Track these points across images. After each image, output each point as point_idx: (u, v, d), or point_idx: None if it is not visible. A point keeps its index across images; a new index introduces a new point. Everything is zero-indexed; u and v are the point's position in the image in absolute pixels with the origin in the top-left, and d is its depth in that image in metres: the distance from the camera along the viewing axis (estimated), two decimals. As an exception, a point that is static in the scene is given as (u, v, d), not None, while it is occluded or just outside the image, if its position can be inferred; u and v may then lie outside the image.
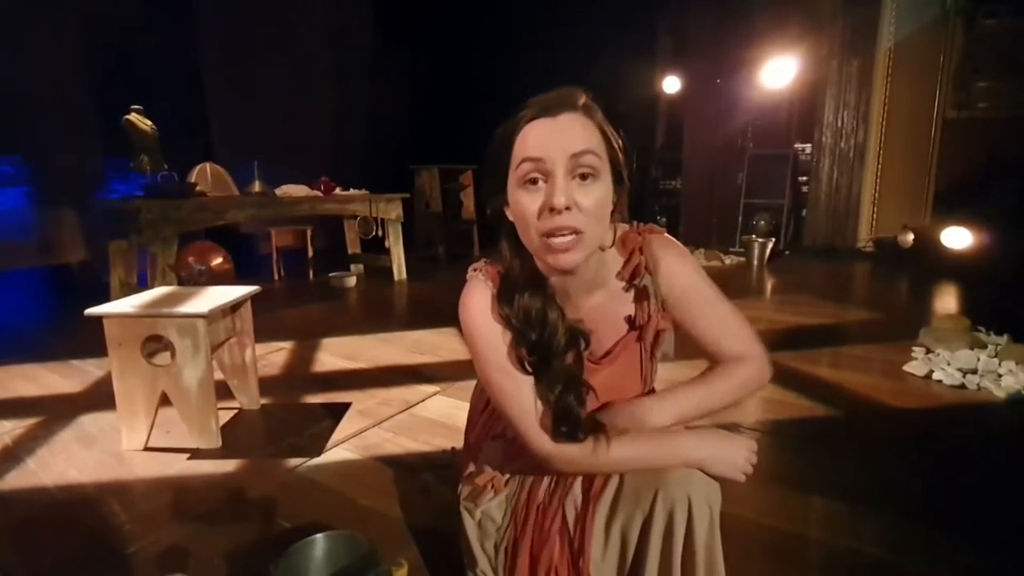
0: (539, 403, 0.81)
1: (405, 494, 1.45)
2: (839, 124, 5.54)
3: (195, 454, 1.68)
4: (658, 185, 7.26)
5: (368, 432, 1.82)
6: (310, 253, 4.85)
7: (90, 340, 1.96)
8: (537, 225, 0.72)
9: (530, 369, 0.80)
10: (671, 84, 6.83)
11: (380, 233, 4.47)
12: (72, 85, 4.56)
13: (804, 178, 5.94)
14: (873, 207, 5.51)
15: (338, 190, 4.28)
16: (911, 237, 4.91)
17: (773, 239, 5.41)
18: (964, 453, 1.70)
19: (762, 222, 5.89)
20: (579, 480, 0.85)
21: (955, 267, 4.34)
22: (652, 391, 0.93)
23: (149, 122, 3.51)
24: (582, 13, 6.55)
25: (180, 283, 3.22)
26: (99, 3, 4.74)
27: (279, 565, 0.95)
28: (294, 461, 1.63)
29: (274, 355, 2.64)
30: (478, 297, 0.81)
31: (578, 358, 0.81)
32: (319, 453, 1.67)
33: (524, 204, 0.73)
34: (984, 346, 2.42)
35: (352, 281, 4.46)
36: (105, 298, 2.08)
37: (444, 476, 1.49)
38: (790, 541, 1.26)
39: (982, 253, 4.37)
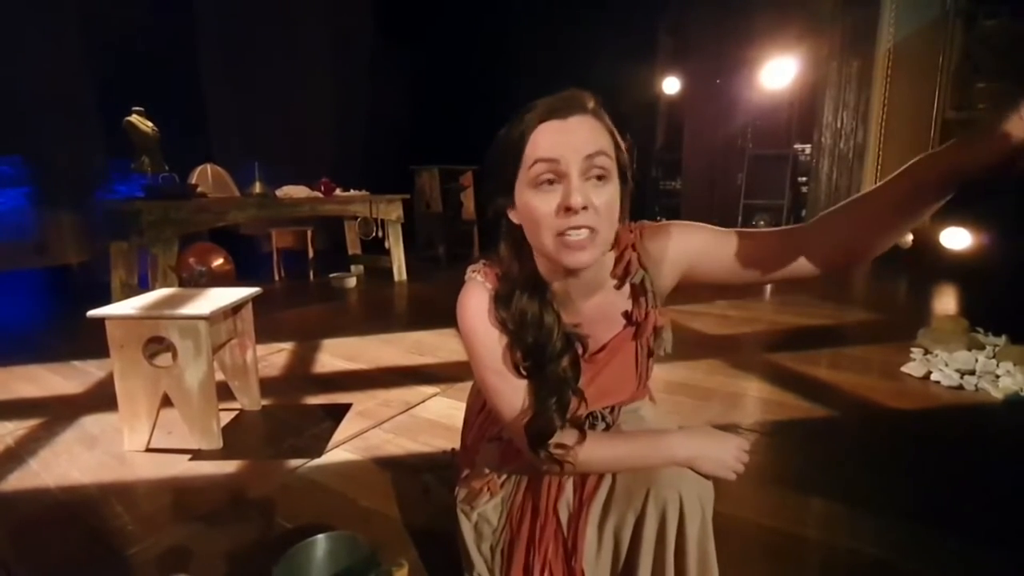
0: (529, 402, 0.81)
1: (405, 495, 1.46)
2: (839, 125, 5.54)
3: (196, 455, 1.68)
4: (658, 186, 7.28)
5: (369, 433, 1.83)
6: (310, 254, 4.86)
7: (91, 341, 1.97)
8: (553, 225, 0.72)
9: (525, 373, 0.81)
10: (671, 84, 6.84)
11: (380, 234, 4.48)
12: (73, 86, 4.57)
13: (804, 178, 5.95)
14: (873, 208, 5.50)
15: (338, 191, 4.28)
16: (910, 238, 4.91)
17: (773, 240, 5.40)
18: (962, 454, 1.70)
19: (762, 222, 5.90)
20: (571, 481, 0.85)
21: (954, 268, 4.35)
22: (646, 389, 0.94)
23: (150, 123, 3.52)
24: (582, 13, 6.56)
25: (181, 284, 3.22)
26: (100, 4, 4.74)
27: (280, 565, 0.96)
28: (295, 462, 1.64)
29: (275, 356, 2.65)
30: (476, 299, 0.82)
31: (574, 363, 0.82)
32: (320, 454, 1.68)
33: (537, 205, 0.73)
34: (982, 347, 2.43)
35: (352, 282, 4.46)
36: (106, 299, 2.09)
37: (444, 477, 1.50)
38: (789, 541, 1.26)
39: (981, 254, 4.37)
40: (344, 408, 2.02)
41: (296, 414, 2.02)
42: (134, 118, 3.44)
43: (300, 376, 2.43)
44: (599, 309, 0.86)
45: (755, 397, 2.13)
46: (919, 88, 5.14)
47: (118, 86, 4.27)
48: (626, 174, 0.77)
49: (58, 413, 1.99)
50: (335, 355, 2.67)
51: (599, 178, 0.72)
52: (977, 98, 4.90)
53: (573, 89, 0.75)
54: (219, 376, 1.84)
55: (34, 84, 4.33)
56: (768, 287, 4.42)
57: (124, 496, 1.47)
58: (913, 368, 2.30)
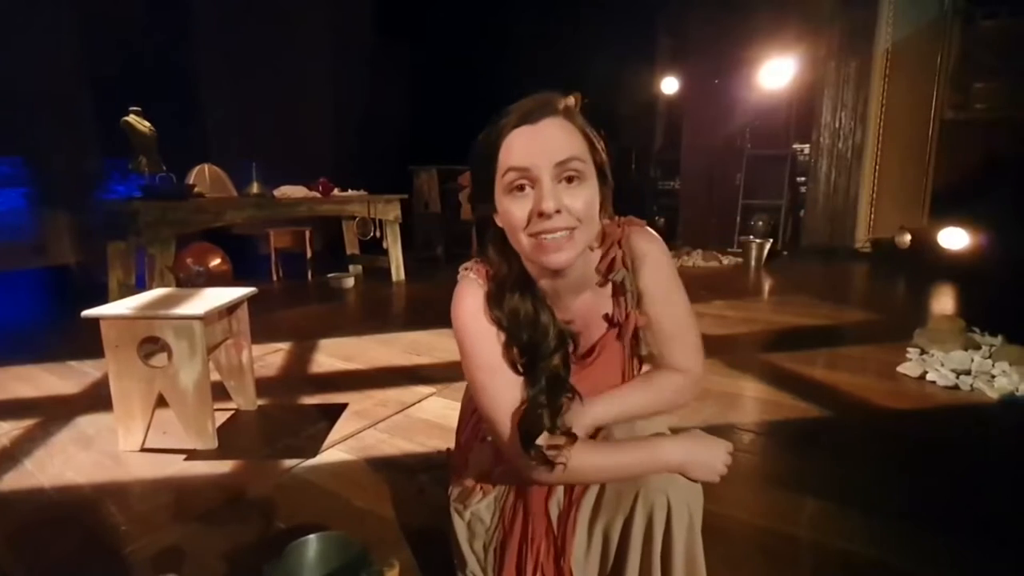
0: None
1: (400, 495, 1.46)
2: (837, 125, 5.55)
3: (192, 455, 1.68)
4: (657, 185, 7.28)
5: (364, 433, 1.83)
6: (308, 254, 4.86)
7: (87, 341, 1.97)
8: (527, 229, 0.73)
9: (521, 370, 0.81)
10: (670, 84, 6.84)
11: (378, 234, 4.48)
12: (71, 86, 4.57)
13: (802, 179, 5.96)
14: (871, 208, 5.52)
15: (336, 191, 4.29)
16: (908, 238, 4.92)
17: (771, 240, 5.42)
18: (957, 454, 1.70)
19: (760, 223, 5.91)
20: None
21: (952, 268, 4.36)
22: None
23: (147, 123, 3.52)
24: (581, 13, 6.56)
25: (178, 284, 3.22)
26: (98, 4, 4.74)
27: (272, 565, 0.96)
28: (290, 462, 1.64)
29: (271, 356, 2.65)
30: (469, 297, 0.82)
31: (566, 361, 0.82)
32: (315, 454, 1.68)
33: (512, 211, 0.74)
34: (978, 347, 2.43)
35: (350, 282, 4.46)
36: (103, 299, 2.09)
37: (439, 477, 1.50)
38: (782, 541, 1.27)
39: (979, 254, 4.39)
40: (340, 408, 2.02)
41: (292, 414, 2.02)
42: (131, 118, 3.44)
43: (296, 376, 2.43)
44: (588, 308, 0.87)
45: (751, 397, 2.14)
46: (917, 88, 5.14)
47: (116, 86, 4.27)
48: (604, 172, 0.78)
49: (53, 413, 1.99)
50: (332, 355, 2.68)
51: (572, 180, 0.73)
52: (975, 99, 4.91)
53: (544, 93, 0.76)
54: (215, 376, 1.84)
55: (32, 84, 4.33)
56: (767, 287, 4.42)
57: (119, 496, 1.47)
58: (909, 368, 2.30)
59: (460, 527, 0.94)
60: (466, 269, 0.85)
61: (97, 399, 2.05)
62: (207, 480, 1.56)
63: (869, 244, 5.49)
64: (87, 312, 1.61)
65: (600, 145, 0.77)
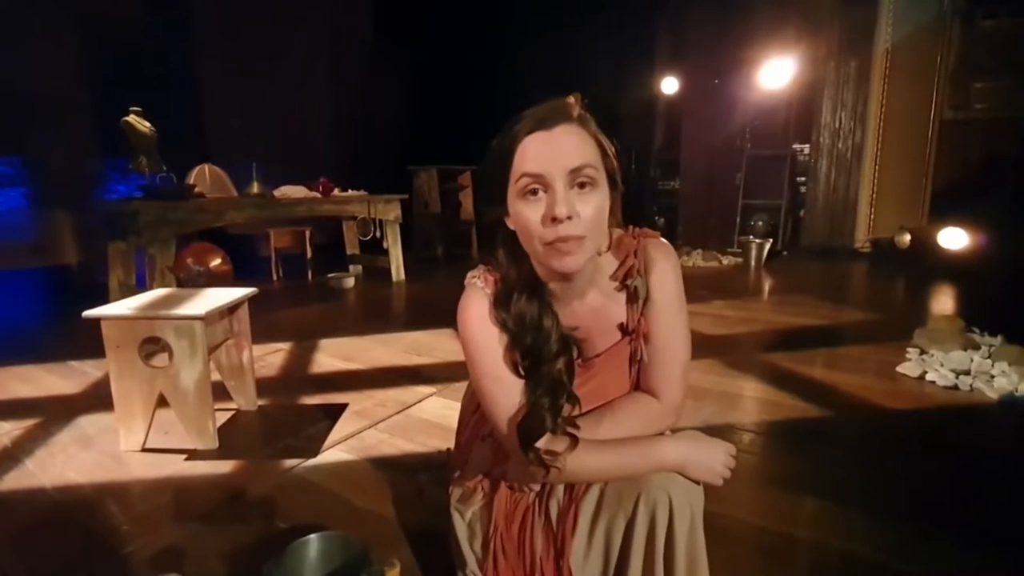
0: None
1: (400, 495, 1.46)
2: (837, 125, 5.55)
3: (192, 455, 1.69)
4: (656, 186, 7.28)
5: (364, 433, 1.83)
6: (308, 254, 4.86)
7: (88, 341, 1.97)
8: (541, 234, 0.75)
9: (523, 373, 0.82)
10: (669, 84, 6.84)
11: (378, 234, 4.48)
12: (71, 86, 4.57)
13: (802, 179, 5.96)
14: (870, 208, 5.52)
15: (336, 191, 4.29)
16: (908, 238, 4.93)
17: (771, 240, 5.42)
18: (956, 454, 1.71)
19: (760, 223, 5.91)
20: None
21: (951, 268, 4.36)
22: None
23: (148, 123, 3.52)
24: (581, 13, 6.56)
25: (179, 284, 3.23)
26: (98, 4, 4.74)
27: (272, 565, 0.97)
28: (290, 462, 1.64)
29: (272, 356, 2.65)
30: (476, 305, 0.84)
31: (569, 365, 0.83)
32: (315, 454, 1.69)
33: (526, 215, 0.75)
34: (978, 347, 2.43)
35: (350, 282, 4.47)
36: (103, 299, 2.09)
37: (439, 477, 1.50)
38: (783, 542, 1.27)
39: (978, 254, 4.39)
40: (340, 408, 2.02)
41: (292, 414, 2.02)
42: (131, 118, 3.44)
43: (297, 376, 2.43)
44: (595, 314, 0.87)
45: (751, 397, 2.14)
46: (917, 88, 5.15)
47: (116, 86, 4.28)
48: (615, 179, 0.79)
49: (54, 413, 2.00)
50: (332, 355, 2.68)
51: (584, 185, 0.74)
52: (975, 99, 4.91)
53: (558, 98, 0.77)
54: (215, 376, 1.85)
55: (32, 85, 4.33)
56: (767, 287, 4.42)
57: (120, 496, 1.48)
58: (909, 368, 2.31)
59: (460, 527, 0.94)
60: (474, 277, 0.87)
61: (98, 399, 2.05)
62: (208, 480, 1.56)
63: (869, 244, 5.50)
64: (88, 312, 1.61)
65: (612, 152, 0.78)
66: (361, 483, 1.53)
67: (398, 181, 5.34)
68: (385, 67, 6.92)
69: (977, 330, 2.65)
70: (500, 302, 0.82)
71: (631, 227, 0.89)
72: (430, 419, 1.94)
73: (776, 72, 5.73)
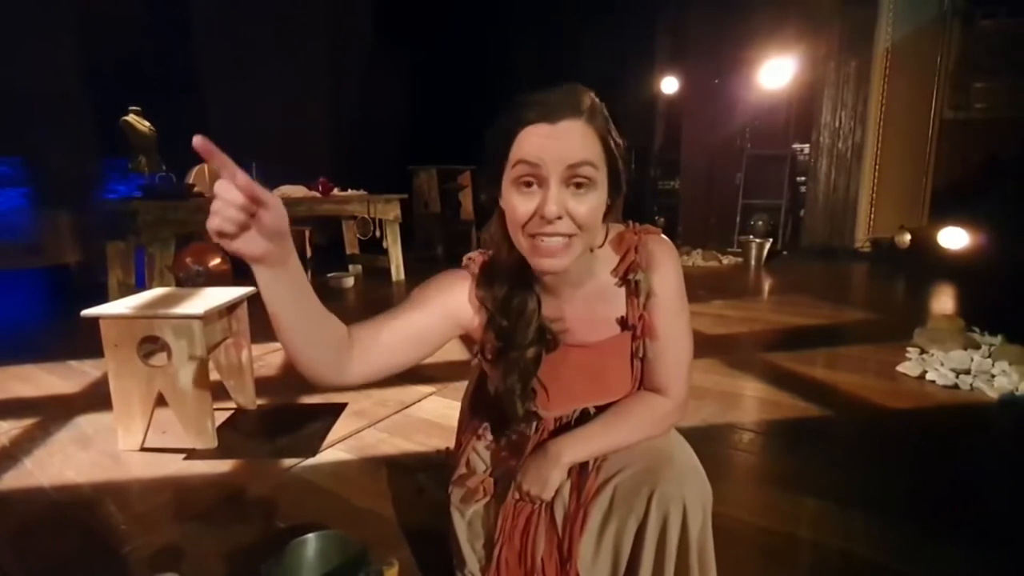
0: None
1: (399, 494, 1.46)
2: (837, 124, 5.55)
3: (191, 454, 1.68)
4: (656, 185, 7.27)
5: (363, 432, 1.83)
6: (308, 254, 4.85)
7: (87, 341, 1.96)
8: (526, 228, 0.73)
9: (490, 356, 0.84)
10: (669, 84, 6.84)
11: (378, 234, 4.48)
12: (71, 86, 4.57)
13: (802, 178, 5.95)
14: (870, 207, 5.52)
15: (336, 191, 4.28)
16: (908, 238, 4.92)
17: (771, 239, 5.42)
18: (956, 453, 1.70)
19: (760, 222, 5.90)
20: (568, 482, 0.85)
21: (951, 268, 4.35)
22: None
23: (147, 123, 3.52)
24: (581, 13, 6.56)
25: (178, 284, 3.22)
26: (98, 4, 4.74)
27: (270, 565, 0.96)
28: (289, 461, 1.64)
29: (271, 356, 2.65)
30: (452, 272, 0.88)
31: (537, 357, 0.84)
32: (314, 453, 1.68)
33: (515, 205, 0.73)
34: (978, 347, 2.43)
35: (350, 282, 4.46)
36: (103, 299, 2.08)
37: (438, 476, 1.49)
38: (782, 542, 1.26)
39: (979, 254, 4.38)
40: (339, 407, 2.02)
41: (291, 413, 2.01)
42: (131, 118, 3.45)
43: (296, 376, 2.39)
44: (589, 305, 0.86)
45: (751, 397, 2.13)
46: (917, 88, 5.15)
47: (116, 86, 4.27)
48: (619, 180, 0.77)
49: (53, 413, 1.99)
50: (332, 355, 2.67)
51: (581, 185, 0.72)
52: (974, 99, 4.91)
53: (571, 85, 0.74)
54: (214, 375, 1.84)
55: (32, 84, 4.33)
56: (767, 287, 4.42)
57: (118, 496, 1.47)
58: (909, 368, 2.30)
59: (461, 526, 0.93)
60: (469, 259, 0.88)
61: (96, 398, 2.04)
62: (206, 479, 1.56)
63: (869, 244, 5.49)
64: (87, 312, 1.61)
65: (618, 152, 0.75)
66: (360, 482, 1.53)
67: (398, 181, 5.34)
68: (385, 67, 6.92)
69: (977, 329, 2.64)
70: (485, 279, 0.82)
71: (632, 223, 0.87)
72: (429, 418, 1.94)
73: (776, 72, 5.72)
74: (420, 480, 1.52)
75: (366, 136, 6.80)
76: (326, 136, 6.55)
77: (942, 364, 2.28)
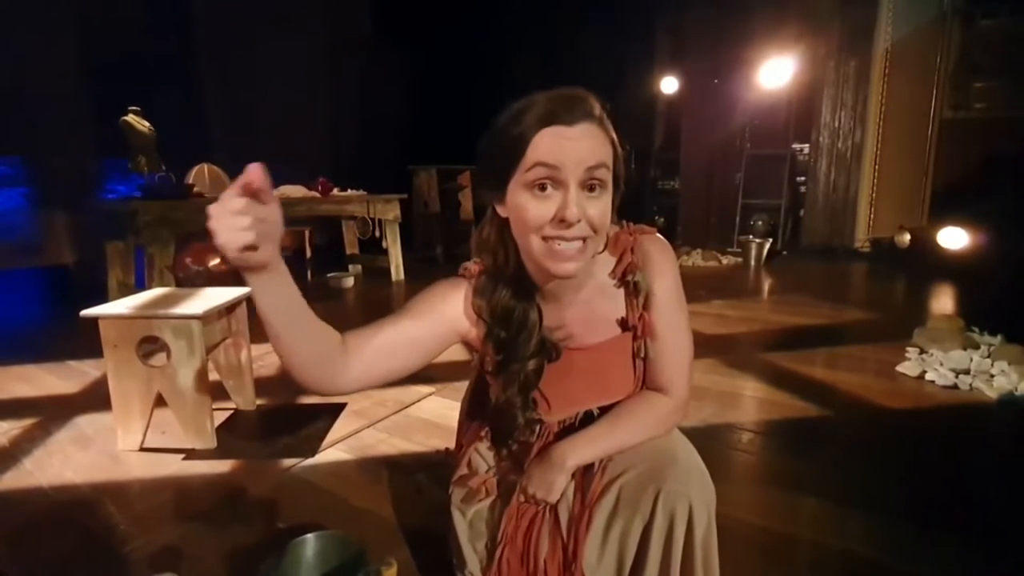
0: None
1: (398, 495, 1.46)
2: (836, 124, 5.55)
3: (190, 455, 1.68)
4: (656, 185, 7.27)
5: (363, 433, 1.83)
6: (308, 254, 4.86)
7: (87, 341, 1.96)
8: (544, 231, 0.72)
9: (489, 368, 0.83)
10: (669, 84, 6.83)
11: (378, 234, 4.48)
12: (71, 86, 4.57)
13: (802, 178, 5.95)
14: (870, 207, 5.52)
15: (336, 191, 4.28)
16: (908, 237, 4.92)
17: (770, 239, 5.42)
18: (956, 453, 1.70)
19: (759, 222, 5.90)
20: (572, 483, 0.85)
21: (951, 268, 4.35)
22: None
23: (147, 123, 3.52)
24: (581, 13, 6.56)
25: (178, 284, 3.22)
26: (98, 4, 4.74)
27: (268, 565, 0.96)
28: (289, 461, 1.64)
29: (270, 356, 2.65)
30: (448, 281, 0.87)
31: (539, 368, 0.83)
32: (313, 453, 1.68)
33: (529, 208, 0.72)
34: (977, 346, 2.43)
35: (350, 282, 4.46)
36: (102, 299, 2.08)
37: (437, 476, 1.49)
38: (782, 541, 1.26)
39: (978, 254, 4.38)
40: (339, 407, 2.02)
41: (290, 414, 2.01)
42: (130, 118, 3.44)
43: (296, 376, 2.42)
44: (588, 308, 0.86)
45: (751, 397, 2.13)
46: (917, 87, 5.14)
47: (116, 86, 4.27)
48: (620, 182, 0.78)
49: (52, 413, 1.99)
50: (331, 355, 2.67)
51: (594, 188, 0.72)
52: (974, 99, 4.91)
53: (578, 90, 0.73)
54: (214, 376, 1.84)
55: (32, 84, 4.33)
56: (766, 287, 4.42)
57: (117, 496, 1.47)
58: (908, 367, 2.30)
59: (462, 526, 0.93)
60: (465, 268, 0.88)
61: (96, 399, 2.04)
62: (205, 480, 1.56)
63: (869, 244, 5.49)
64: (86, 312, 1.61)
65: (622, 155, 0.76)
66: (359, 483, 1.53)
67: (398, 181, 5.33)
68: (385, 67, 6.91)
69: (977, 329, 2.64)
70: (482, 289, 0.82)
71: (626, 223, 0.87)
72: (429, 418, 1.94)
73: (776, 72, 5.72)
74: (419, 480, 1.52)
75: (366, 136, 6.79)
76: (326, 136, 6.55)
77: (941, 364, 2.28)
